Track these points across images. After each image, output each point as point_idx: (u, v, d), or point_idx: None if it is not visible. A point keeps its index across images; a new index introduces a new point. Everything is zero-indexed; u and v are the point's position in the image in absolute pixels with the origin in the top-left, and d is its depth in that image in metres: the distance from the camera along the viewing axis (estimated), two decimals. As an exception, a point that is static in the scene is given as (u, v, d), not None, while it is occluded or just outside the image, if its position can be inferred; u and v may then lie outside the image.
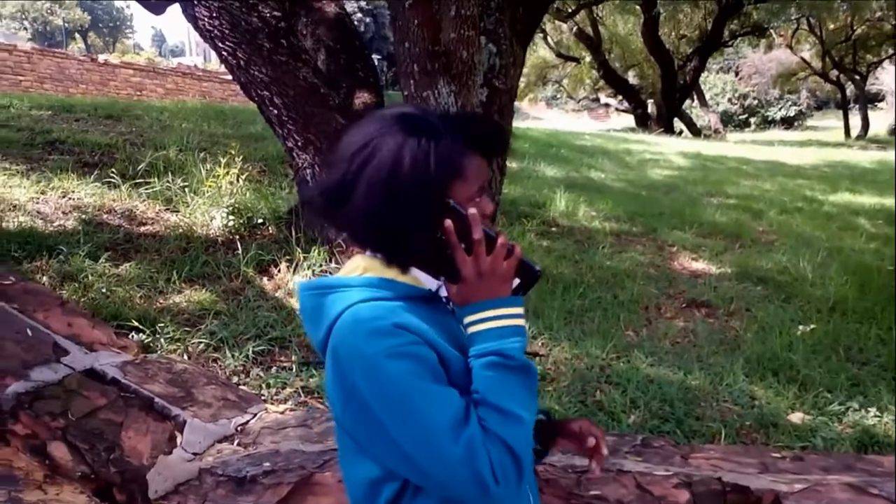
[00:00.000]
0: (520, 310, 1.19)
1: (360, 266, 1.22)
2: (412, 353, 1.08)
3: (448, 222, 1.14)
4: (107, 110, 7.86)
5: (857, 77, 31.58)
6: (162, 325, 3.27)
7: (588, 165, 9.91)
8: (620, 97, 28.66)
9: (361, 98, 5.28)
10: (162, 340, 3.14)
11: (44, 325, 2.74)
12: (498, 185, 4.70)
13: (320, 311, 1.18)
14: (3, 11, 46.01)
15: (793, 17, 25.02)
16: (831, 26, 27.27)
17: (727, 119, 38.27)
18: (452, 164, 1.15)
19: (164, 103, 10.61)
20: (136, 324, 3.19)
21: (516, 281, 1.22)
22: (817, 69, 31.45)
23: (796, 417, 3.22)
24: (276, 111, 4.47)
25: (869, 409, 3.26)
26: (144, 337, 3.14)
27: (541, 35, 25.72)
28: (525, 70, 28.92)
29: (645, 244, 6.14)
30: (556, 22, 24.15)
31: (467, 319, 1.18)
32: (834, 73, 31.51)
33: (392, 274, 1.20)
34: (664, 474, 2.23)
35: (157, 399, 2.56)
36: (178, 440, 2.43)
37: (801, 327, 4.31)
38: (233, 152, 5.23)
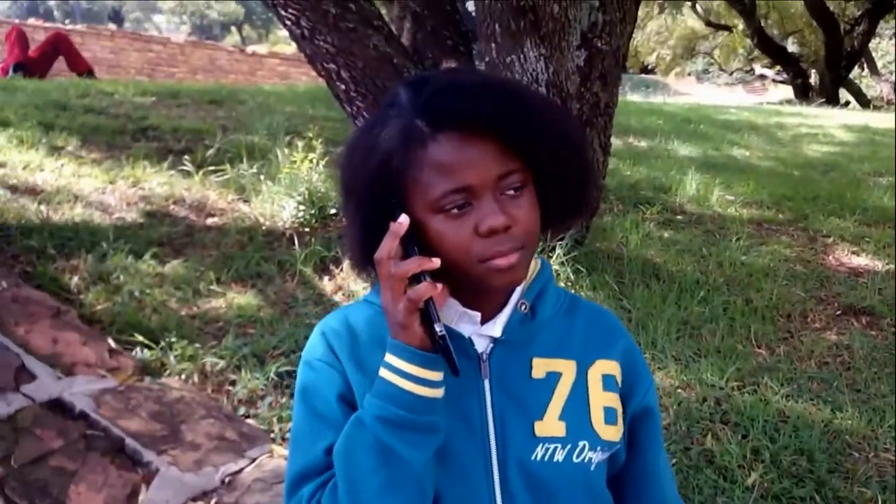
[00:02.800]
0: (411, 368, 0.87)
1: None
2: (315, 368, 0.97)
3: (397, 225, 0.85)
4: (211, 95, 7.66)
5: None
6: (179, 338, 2.81)
7: (731, 142, 8.77)
8: (778, 67, 26.49)
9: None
10: (172, 358, 2.68)
11: (20, 342, 2.34)
12: (601, 165, 3.95)
13: None
14: (163, 6, 48.85)
15: None
16: None
17: (903, 88, 34.62)
18: (393, 156, 0.87)
19: (276, 87, 10.46)
20: (140, 338, 2.75)
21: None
22: None
23: None
24: (343, 86, 3.94)
25: None
26: (150, 354, 2.69)
27: (688, 3, 24.13)
28: (671, 42, 27.50)
29: (792, 234, 5.14)
30: (706, -13, 22.48)
31: None
32: None
33: None
34: None
35: (128, 440, 2.09)
36: (140, 498, 1.93)
37: None
38: (311, 135, 4.75)
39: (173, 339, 2.79)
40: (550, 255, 3.73)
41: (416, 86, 0.88)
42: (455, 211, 0.85)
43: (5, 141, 4.81)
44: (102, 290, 3.14)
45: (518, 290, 0.97)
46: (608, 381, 0.99)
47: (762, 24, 23.57)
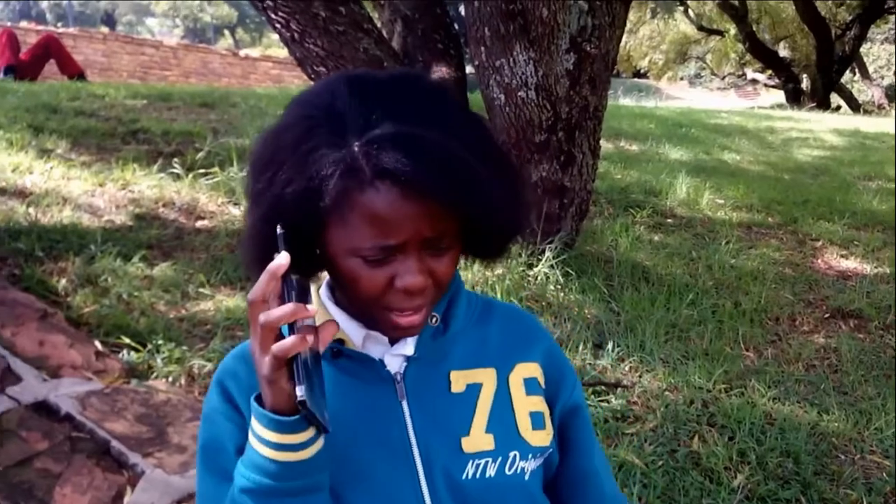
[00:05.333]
0: (273, 436, 0.79)
1: None
2: (213, 422, 0.90)
3: (275, 266, 0.77)
4: (203, 98, 7.65)
5: None
6: (166, 340, 2.80)
7: (721, 146, 8.79)
8: (770, 72, 26.55)
9: (439, 72, 4.67)
10: (159, 361, 2.67)
11: (6, 343, 2.33)
12: (590, 170, 3.96)
13: None
14: (156, 10, 48.75)
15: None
16: None
17: (894, 94, 34.75)
18: (322, 187, 0.79)
19: (269, 90, 10.45)
20: (127, 340, 2.74)
21: None
22: None
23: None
24: (333, 89, 3.94)
25: None
26: (137, 356, 2.68)
27: (681, 8, 24.21)
28: (663, 47, 27.55)
29: (782, 238, 5.17)
30: (698, -8, 22.55)
31: None
32: None
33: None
34: None
35: (114, 442, 2.08)
36: (126, 500, 1.92)
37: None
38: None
39: (161, 342, 2.78)
40: (540, 258, 3.74)
41: (362, 107, 0.79)
42: (375, 260, 0.80)
43: (-5, 144, 4.81)
44: (90, 292, 3.13)
45: None
46: (530, 385, 0.95)
47: (754, 28, 23.66)
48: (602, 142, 4.10)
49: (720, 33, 26.43)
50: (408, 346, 0.91)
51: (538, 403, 0.95)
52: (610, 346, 3.13)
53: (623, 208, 5.24)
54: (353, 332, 0.90)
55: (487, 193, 0.80)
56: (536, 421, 0.94)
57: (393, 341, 0.91)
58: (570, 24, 3.67)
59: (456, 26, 4.99)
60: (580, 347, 3.13)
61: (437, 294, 0.86)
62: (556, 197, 3.88)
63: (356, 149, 0.77)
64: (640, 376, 2.98)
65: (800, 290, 4.18)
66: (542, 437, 0.94)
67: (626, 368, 3.04)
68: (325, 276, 0.91)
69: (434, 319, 0.92)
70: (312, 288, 0.89)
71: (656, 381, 2.93)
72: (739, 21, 22.68)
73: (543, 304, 3.57)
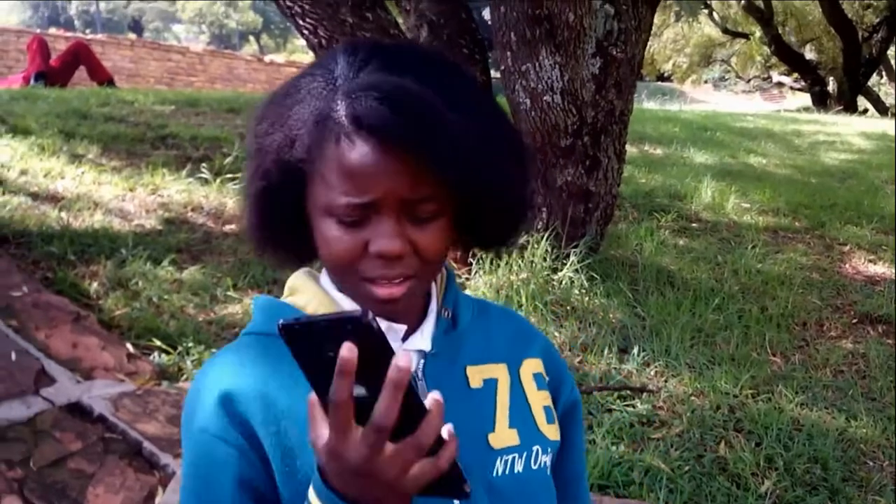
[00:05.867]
0: None
1: (288, 286, 0.88)
2: (209, 447, 0.77)
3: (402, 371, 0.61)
4: (229, 103, 7.74)
5: None
6: (196, 343, 2.84)
7: (747, 150, 8.73)
8: (796, 75, 26.29)
9: (464, 78, 4.69)
10: (189, 363, 2.71)
11: (41, 346, 2.38)
12: (615, 174, 3.96)
13: None
14: (182, 16, 49.38)
15: None
16: None
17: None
18: (296, 139, 0.75)
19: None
20: (157, 343, 2.78)
21: None
22: None
23: None
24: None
25: None
26: (167, 359, 2.72)
27: (705, 11, 24.05)
28: (688, 50, 27.29)
29: (809, 242, 5.12)
30: (723, -5, 22.37)
31: None
32: None
33: (312, 302, 0.83)
34: None
35: (146, 443, 2.12)
36: (157, 500, 1.96)
37: None
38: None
39: (190, 345, 2.82)
40: (564, 262, 3.74)
41: (354, 61, 0.75)
42: (350, 221, 0.74)
43: (27, 149, 4.89)
44: (121, 295, 3.18)
45: (434, 297, 0.87)
46: (539, 380, 0.92)
47: (780, 31, 23.45)
48: (626, 146, 4.10)
49: (745, 36, 26.22)
50: (425, 341, 0.84)
51: (547, 398, 0.92)
52: (635, 350, 3.13)
53: (648, 212, 5.22)
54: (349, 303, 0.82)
55: (476, 158, 0.74)
56: (549, 415, 0.91)
57: (405, 336, 0.84)
58: (597, 29, 3.68)
59: (481, 32, 5.00)
60: (605, 351, 3.13)
61: (423, 269, 0.78)
62: (581, 201, 3.88)
63: (338, 98, 0.72)
64: (665, 381, 2.97)
65: (827, 294, 4.15)
66: (555, 432, 0.91)
67: (652, 373, 3.03)
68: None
69: (447, 313, 0.87)
70: (312, 277, 0.84)
71: (682, 386, 2.92)
72: (765, 24, 22.50)
73: (568, 308, 3.58)
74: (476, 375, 0.87)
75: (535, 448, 0.87)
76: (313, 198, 0.75)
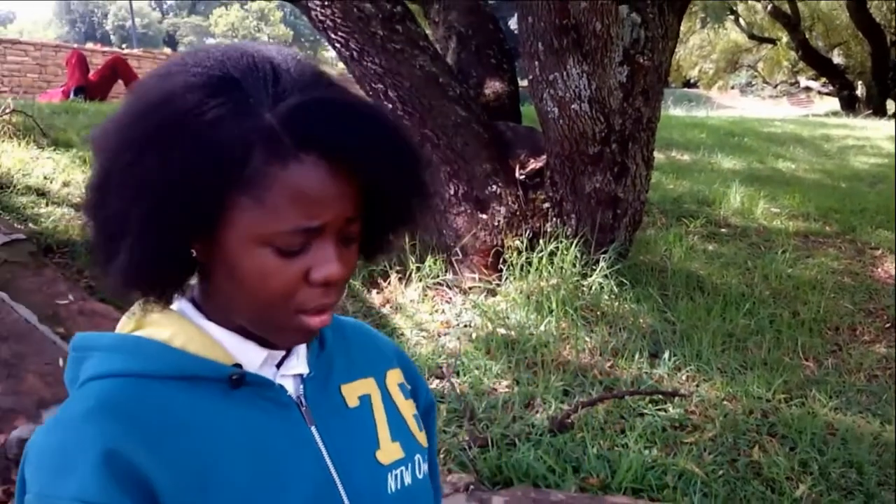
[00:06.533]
0: None
1: (133, 320, 0.75)
2: None
3: None
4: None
5: None
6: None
7: (775, 155, 8.69)
8: (824, 79, 26.00)
9: (492, 87, 4.75)
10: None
11: (89, 351, 2.45)
12: (643, 181, 3.99)
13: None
14: (215, 31, 50.17)
15: None
16: None
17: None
18: (235, 162, 0.64)
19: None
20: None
21: None
22: None
23: None
24: (390, 105, 4.04)
25: None
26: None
27: (731, 16, 23.91)
28: (714, 56, 26.98)
29: (840, 247, 5.10)
30: (749, 0, 22.16)
31: None
32: None
33: (179, 335, 0.73)
34: None
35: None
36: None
37: None
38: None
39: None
40: (594, 268, 3.77)
41: (262, 80, 0.67)
42: (291, 250, 0.67)
43: (69, 161, 5.01)
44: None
45: None
46: (403, 390, 0.90)
47: (807, 36, 23.22)
48: (654, 152, 4.12)
49: (772, 41, 26.00)
50: (300, 365, 0.79)
51: (413, 406, 0.91)
52: (666, 355, 3.15)
53: (676, 218, 5.23)
54: (251, 354, 0.75)
55: (417, 171, 0.72)
56: (419, 423, 0.90)
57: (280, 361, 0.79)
58: (624, 37, 3.71)
59: (508, 42, 5.07)
60: (636, 356, 3.15)
61: (341, 295, 0.74)
62: (610, 208, 3.91)
63: (270, 118, 0.65)
64: (697, 386, 2.99)
65: (859, 299, 4.13)
66: (424, 438, 0.90)
67: (683, 378, 3.05)
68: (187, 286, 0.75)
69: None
70: (166, 308, 0.74)
71: (714, 391, 2.93)
72: (792, 29, 22.29)
73: (598, 313, 3.61)
74: (351, 394, 0.84)
75: (416, 457, 0.86)
76: (242, 229, 0.66)
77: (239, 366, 0.74)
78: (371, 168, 0.67)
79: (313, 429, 0.77)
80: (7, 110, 5.35)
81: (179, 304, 0.75)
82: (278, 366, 0.78)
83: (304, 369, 0.79)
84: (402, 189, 0.71)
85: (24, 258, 3.02)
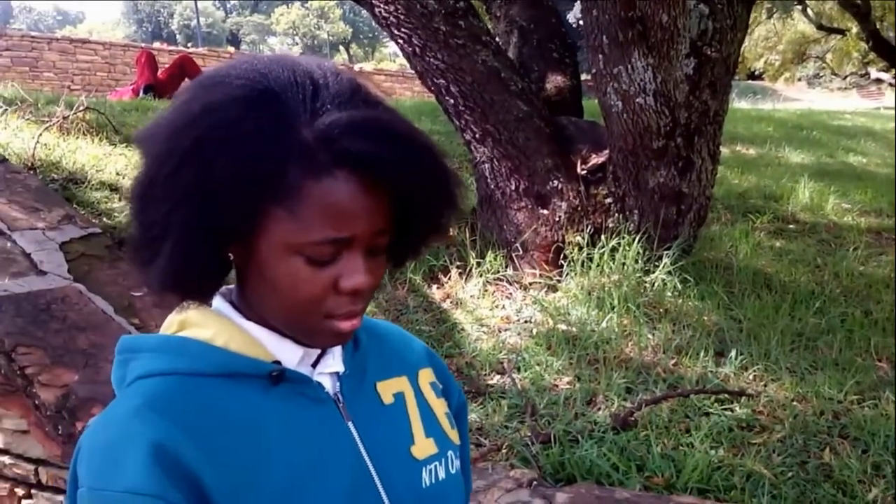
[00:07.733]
0: None
1: (175, 322, 0.79)
2: None
3: None
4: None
5: None
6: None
7: (846, 149, 8.44)
8: (895, 71, 25.08)
9: (554, 81, 4.72)
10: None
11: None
12: (709, 175, 3.91)
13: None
14: (277, 28, 51.07)
15: None
16: None
17: None
18: (271, 175, 0.68)
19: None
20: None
21: None
22: None
23: None
24: (452, 101, 4.05)
25: None
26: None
27: (799, 7, 23.25)
28: (780, 47, 26.29)
29: (915, 244, 4.92)
30: (817, -10, 21.51)
31: None
32: None
33: (221, 335, 0.77)
34: None
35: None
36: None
37: None
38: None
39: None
40: (657, 264, 3.72)
41: (303, 94, 0.70)
42: (322, 259, 0.71)
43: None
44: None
45: None
46: (435, 388, 0.93)
47: (877, 26, 22.42)
48: (720, 146, 4.04)
49: (841, 32, 25.16)
50: (336, 363, 0.82)
51: (444, 405, 0.93)
52: (732, 353, 3.09)
53: (742, 214, 5.12)
54: (289, 352, 0.79)
55: (449, 187, 0.75)
56: (451, 421, 0.93)
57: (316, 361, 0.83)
58: (691, 29, 3.65)
59: (570, 35, 5.02)
60: (701, 355, 3.10)
61: (368, 302, 0.79)
62: (674, 203, 3.85)
63: (307, 134, 0.68)
64: (765, 385, 2.92)
65: (936, 298, 3.98)
66: (456, 436, 0.93)
67: (751, 377, 2.99)
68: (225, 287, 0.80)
69: None
70: (207, 308, 0.79)
71: (783, 391, 2.87)
72: (862, 19, 21.51)
73: (661, 310, 3.55)
74: (386, 391, 0.87)
75: (449, 453, 0.88)
76: (277, 237, 0.70)
77: (278, 363, 0.77)
78: (402, 185, 0.70)
79: (350, 424, 0.80)
80: (81, 108, 5.52)
81: (219, 304, 0.79)
82: (314, 364, 0.81)
83: (339, 367, 0.82)
84: (433, 204, 0.75)
85: (101, 251, 3.12)
